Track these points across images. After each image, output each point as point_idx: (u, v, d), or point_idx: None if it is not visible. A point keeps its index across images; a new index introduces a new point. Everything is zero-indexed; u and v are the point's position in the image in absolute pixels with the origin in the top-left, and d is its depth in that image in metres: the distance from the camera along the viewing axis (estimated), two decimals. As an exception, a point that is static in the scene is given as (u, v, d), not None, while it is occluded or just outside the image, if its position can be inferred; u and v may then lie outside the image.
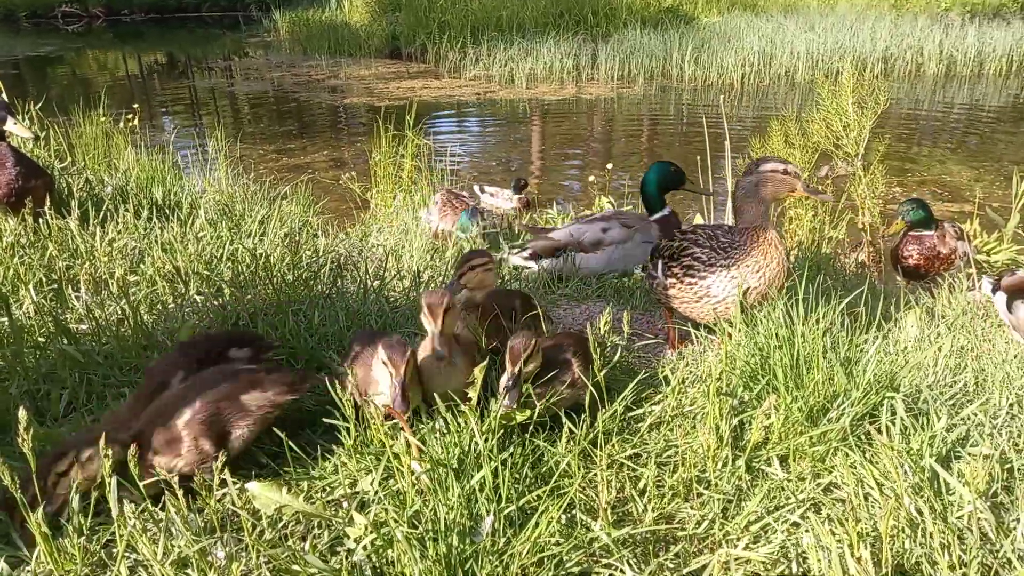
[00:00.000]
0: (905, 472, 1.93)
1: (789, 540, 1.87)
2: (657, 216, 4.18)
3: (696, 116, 13.03)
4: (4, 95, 5.65)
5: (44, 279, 2.93)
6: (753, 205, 2.70)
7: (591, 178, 8.56)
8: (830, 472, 2.10)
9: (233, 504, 1.76)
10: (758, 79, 16.34)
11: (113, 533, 1.76)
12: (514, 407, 2.06)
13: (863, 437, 2.20)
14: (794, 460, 2.14)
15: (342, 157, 10.85)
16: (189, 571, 1.68)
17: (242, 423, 1.95)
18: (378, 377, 2.11)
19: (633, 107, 14.54)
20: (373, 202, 6.88)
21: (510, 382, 2.06)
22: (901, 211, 4.54)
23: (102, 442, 1.65)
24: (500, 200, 8.07)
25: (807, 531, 1.85)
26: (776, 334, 2.33)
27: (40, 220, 3.52)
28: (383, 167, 6.95)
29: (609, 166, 7.97)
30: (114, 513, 1.67)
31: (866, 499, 1.96)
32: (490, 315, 2.56)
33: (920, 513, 1.81)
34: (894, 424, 2.14)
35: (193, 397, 1.92)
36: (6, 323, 2.51)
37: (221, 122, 12.71)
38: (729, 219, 5.71)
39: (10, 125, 3.78)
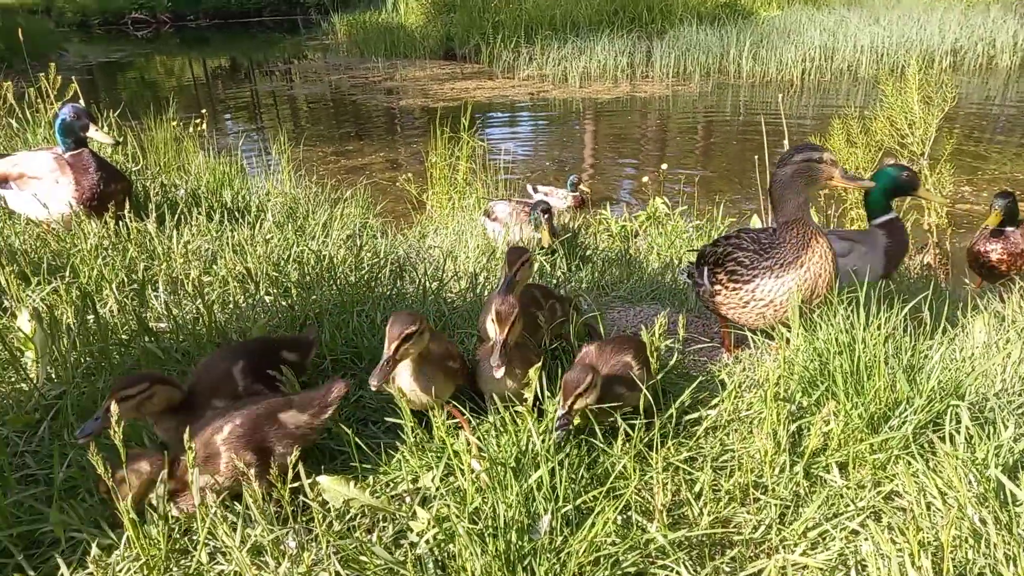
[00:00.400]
0: (969, 482, 1.90)
1: (848, 548, 1.86)
2: (881, 220, 3.92)
3: (754, 114, 12.80)
4: (81, 101, 5.97)
5: (126, 279, 3.11)
6: (791, 197, 2.64)
7: (645, 178, 8.51)
8: (891, 480, 2.07)
9: (305, 496, 1.85)
10: (819, 75, 15.94)
11: (193, 521, 1.88)
12: (564, 435, 2.04)
13: (926, 445, 2.16)
14: (854, 467, 2.13)
15: (398, 158, 11.06)
16: (264, 559, 1.79)
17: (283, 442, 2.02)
18: (488, 329, 2.19)
19: (688, 105, 14.36)
20: (429, 203, 7.01)
21: (562, 414, 2.03)
22: (998, 203, 4.35)
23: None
24: (555, 199, 8.11)
25: (867, 539, 1.84)
26: (836, 339, 2.31)
27: (120, 223, 3.73)
28: (439, 169, 7.08)
29: (664, 166, 7.91)
30: (196, 501, 1.78)
31: (928, 508, 1.94)
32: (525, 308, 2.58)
33: (984, 523, 1.79)
34: (959, 433, 2.10)
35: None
36: (92, 321, 2.67)
37: (282, 125, 13.08)
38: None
39: (92, 132, 4.00)
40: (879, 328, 2.35)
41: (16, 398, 2.46)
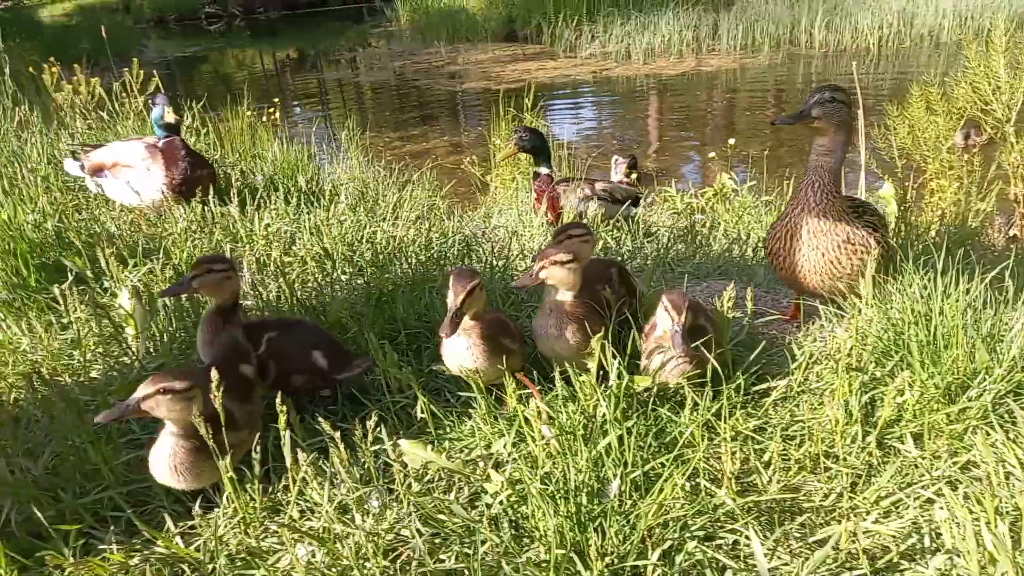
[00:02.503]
0: (1053, 452, 1.86)
1: (922, 516, 1.85)
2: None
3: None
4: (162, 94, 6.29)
5: (213, 260, 3.30)
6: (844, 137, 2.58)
7: (712, 154, 8.36)
8: (968, 451, 2.04)
9: (387, 459, 1.96)
10: (897, 41, 15.20)
11: (285, 480, 2.02)
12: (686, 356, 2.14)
13: (1006, 416, 2.11)
14: (929, 438, 2.10)
15: (461, 142, 11.18)
16: (348, 516, 1.91)
17: None
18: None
19: (757, 78, 13.95)
20: (493, 185, 7.08)
21: (678, 329, 2.12)
22: None
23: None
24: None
25: (941, 507, 1.82)
26: (912, 309, 2.27)
27: (205, 208, 3.94)
28: (500, 150, 7.14)
29: (732, 141, 7.75)
30: (288, 461, 1.92)
31: (1007, 478, 1.90)
32: (590, 283, 2.61)
33: (1068, 493, 1.75)
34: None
35: None
36: (185, 299, 2.86)
37: (348, 112, 13.38)
38: (863, 190, 5.44)
39: (165, 115, 4.17)
40: (957, 299, 2.29)
41: (120, 370, 2.67)
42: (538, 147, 5.06)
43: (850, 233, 2.55)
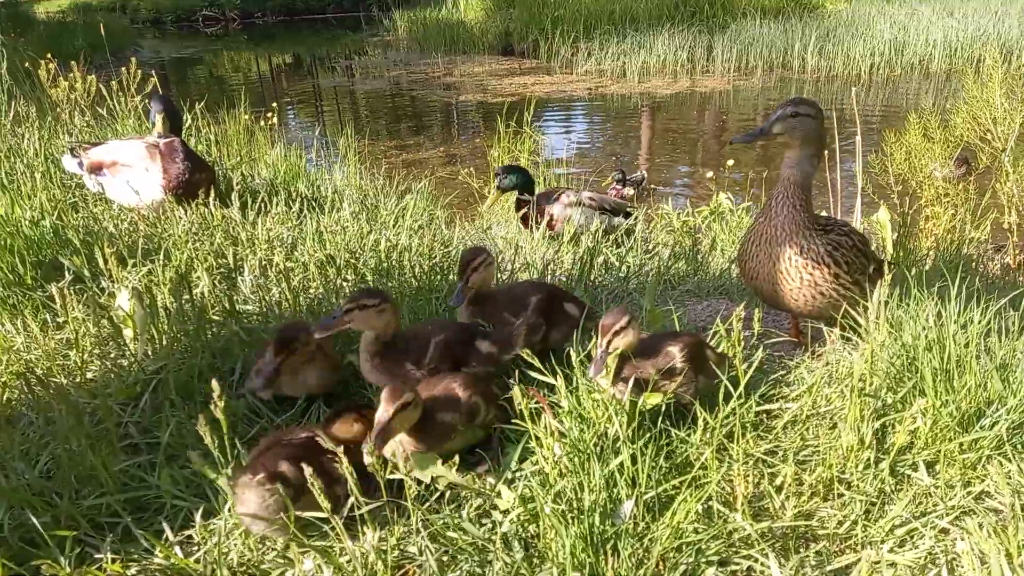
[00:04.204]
0: (1069, 485, 1.85)
1: (938, 546, 1.83)
2: None
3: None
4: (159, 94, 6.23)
5: (214, 264, 3.25)
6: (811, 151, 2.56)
7: (709, 174, 8.42)
8: (982, 480, 2.03)
9: (397, 470, 1.92)
10: (888, 70, 15.43)
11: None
12: (599, 377, 2.10)
13: (1019, 447, 2.10)
14: (943, 466, 2.09)
15: (457, 153, 11.17)
16: (360, 529, 1.86)
17: None
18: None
19: (750, 100, 14.09)
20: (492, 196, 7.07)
21: (600, 352, 2.10)
22: None
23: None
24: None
25: (960, 538, 1.81)
26: (925, 336, 2.27)
27: (206, 210, 3.88)
28: (500, 163, 7.13)
29: (730, 162, 7.80)
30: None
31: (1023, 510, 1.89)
32: (500, 307, 2.58)
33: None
34: (1056, 435, 2.04)
35: None
36: (186, 301, 2.81)
37: (344, 120, 13.35)
38: (858, 216, 5.48)
39: (155, 118, 4.07)
40: (967, 325, 2.29)
41: (117, 372, 2.60)
42: (518, 184, 5.24)
43: (804, 247, 2.53)
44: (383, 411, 1.92)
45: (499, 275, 3.50)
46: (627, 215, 5.69)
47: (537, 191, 5.42)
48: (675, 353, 2.25)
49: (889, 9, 17.83)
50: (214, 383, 1.88)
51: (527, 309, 2.55)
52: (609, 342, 2.09)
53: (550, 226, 5.26)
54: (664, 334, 2.41)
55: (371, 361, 2.30)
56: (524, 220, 5.31)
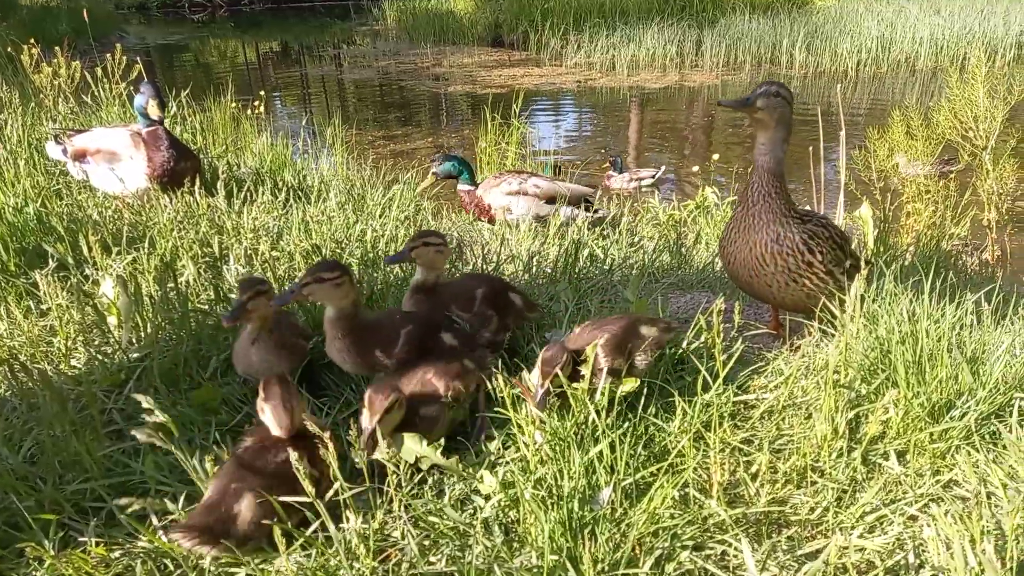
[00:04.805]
0: (1033, 473, 1.91)
1: (906, 532, 1.89)
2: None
3: (805, 105, 12.56)
4: (146, 81, 6.19)
5: (199, 252, 3.25)
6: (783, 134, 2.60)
7: (695, 168, 8.47)
8: (950, 469, 2.08)
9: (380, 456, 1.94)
10: (875, 66, 15.55)
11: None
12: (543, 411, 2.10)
13: (987, 437, 2.16)
14: (913, 456, 2.14)
15: (446, 144, 11.16)
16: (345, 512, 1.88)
17: None
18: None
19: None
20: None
21: (541, 391, 2.09)
22: None
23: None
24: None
25: (927, 524, 1.86)
26: (899, 329, 2.32)
27: (191, 198, 3.88)
28: (488, 154, 7.14)
29: (716, 156, 7.86)
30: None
31: (989, 498, 1.95)
32: (446, 301, 2.56)
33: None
34: (1022, 426, 2.10)
35: None
36: (171, 290, 2.81)
37: (332, 109, 13.29)
38: (841, 211, 5.55)
39: (149, 107, 4.08)
40: (941, 317, 2.35)
41: (102, 359, 2.61)
42: (453, 171, 5.29)
43: (781, 235, 2.57)
44: (367, 418, 1.93)
45: (485, 266, 3.52)
46: (588, 206, 5.67)
47: (487, 177, 5.49)
48: (601, 359, 2.25)
49: (877, 6, 17.96)
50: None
51: (475, 303, 2.54)
52: (550, 378, 2.07)
53: (488, 215, 5.29)
54: (598, 323, 2.41)
55: (340, 341, 2.26)
56: (465, 207, 5.37)
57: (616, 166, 8.69)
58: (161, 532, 1.87)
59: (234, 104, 7.14)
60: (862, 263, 2.75)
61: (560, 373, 2.09)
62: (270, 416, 1.90)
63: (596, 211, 5.65)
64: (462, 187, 5.31)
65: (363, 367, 2.29)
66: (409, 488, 1.95)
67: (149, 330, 2.67)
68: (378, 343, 2.29)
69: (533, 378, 2.17)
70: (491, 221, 5.31)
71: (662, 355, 2.60)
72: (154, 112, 4.06)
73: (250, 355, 2.31)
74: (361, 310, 2.31)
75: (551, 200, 5.36)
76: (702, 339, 2.58)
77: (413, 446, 1.93)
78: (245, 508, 1.78)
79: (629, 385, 2.24)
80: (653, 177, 8.75)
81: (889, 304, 2.49)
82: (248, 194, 4.07)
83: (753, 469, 2.11)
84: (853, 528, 1.92)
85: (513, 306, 2.65)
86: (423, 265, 2.52)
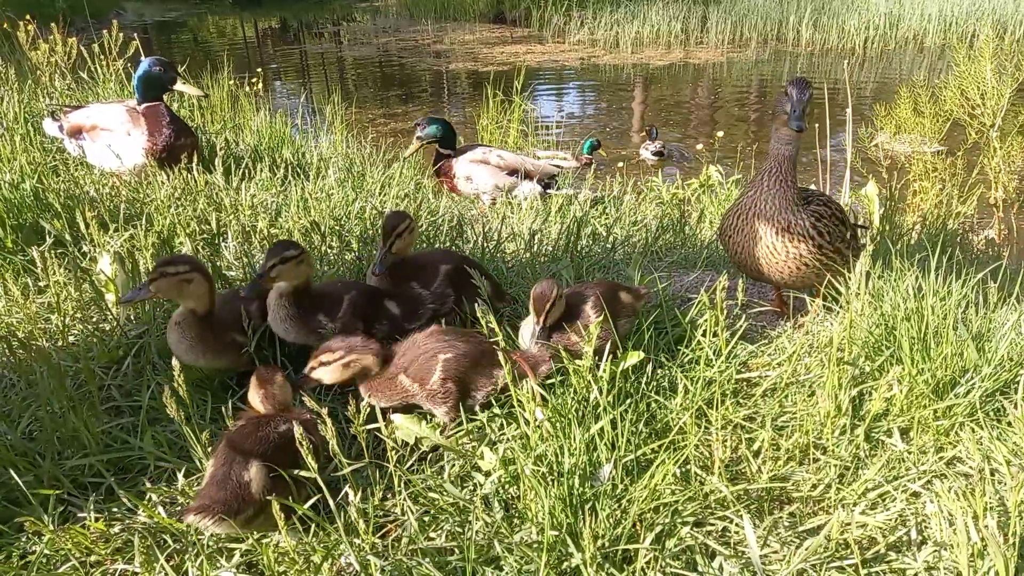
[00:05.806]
0: (1038, 450, 1.89)
1: (909, 509, 1.87)
2: None
3: (812, 82, 12.41)
4: (143, 57, 6.13)
5: (197, 229, 3.22)
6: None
7: (699, 146, 8.40)
8: (954, 446, 2.07)
9: (380, 432, 1.93)
10: (882, 43, 15.36)
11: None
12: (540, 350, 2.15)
13: (992, 414, 2.14)
14: (917, 433, 2.12)
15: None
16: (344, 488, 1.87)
17: None
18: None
19: (744, 72, 14.00)
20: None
21: (538, 330, 2.15)
22: None
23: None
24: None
25: (930, 501, 1.85)
26: (904, 305, 2.29)
27: (189, 175, 3.85)
28: (490, 132, 7.08)
29: (720, 134, 7.78)
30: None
31: (993, 474, 1.93)
32: (407, 274, 2.51)
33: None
34: (1027, 402, 2.08)
35: None
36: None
37: (331, 87, 13.17)
38: (847, 189, 5.50)
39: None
40: (947, 295, 2.32)
41: (100, 336, 2.59)
42: (437, 135, 5.26)
43: (792, 223, 2.57)
44: (538, 320, 2.07)
45: (486, 244, 3.49)
46: (549, 184, 5.66)
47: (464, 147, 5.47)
48: (589, 310, 2.30)
49: (884, -18, 17.70)
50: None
51: (436, 278, 2.51)
52: (545, 316, 2.11)
53: (451, 182, 5.28)
54: (576, 290, 2.40)
55: (287, 311, 2.25)
56: (438, 174, 5.33)
57: (652, 135, 8.96)
58: (176, 516, 1.86)
59: (232, 81, 7.07)
60: (858, 230, 2.74)
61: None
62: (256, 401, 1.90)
63: (558, 189, 5.65)
64: (442, 151, 5.32)
65: (307, 335, 2.29)
66: (408, 464, 1.94)
67: (147, 307, 2.65)
68: (321, 309, 2.30)
69: (525, 329, 2.19)
70: (453, 190, 5.33)
71: (664, 332, 2.59)
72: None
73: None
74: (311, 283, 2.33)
75: (512, 173, 5.37)
76: (705, 316, 2.56)
77: (412, 427, 1.92)
78: (255, 477, 1.76)
79: (633, 358, 2.22)
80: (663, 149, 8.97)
81: (895, 281, 2.46)
82: (246, 171, 4.03)
83: (755, 446, 2.10)
84: (855, 504, 1.91)
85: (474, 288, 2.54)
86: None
